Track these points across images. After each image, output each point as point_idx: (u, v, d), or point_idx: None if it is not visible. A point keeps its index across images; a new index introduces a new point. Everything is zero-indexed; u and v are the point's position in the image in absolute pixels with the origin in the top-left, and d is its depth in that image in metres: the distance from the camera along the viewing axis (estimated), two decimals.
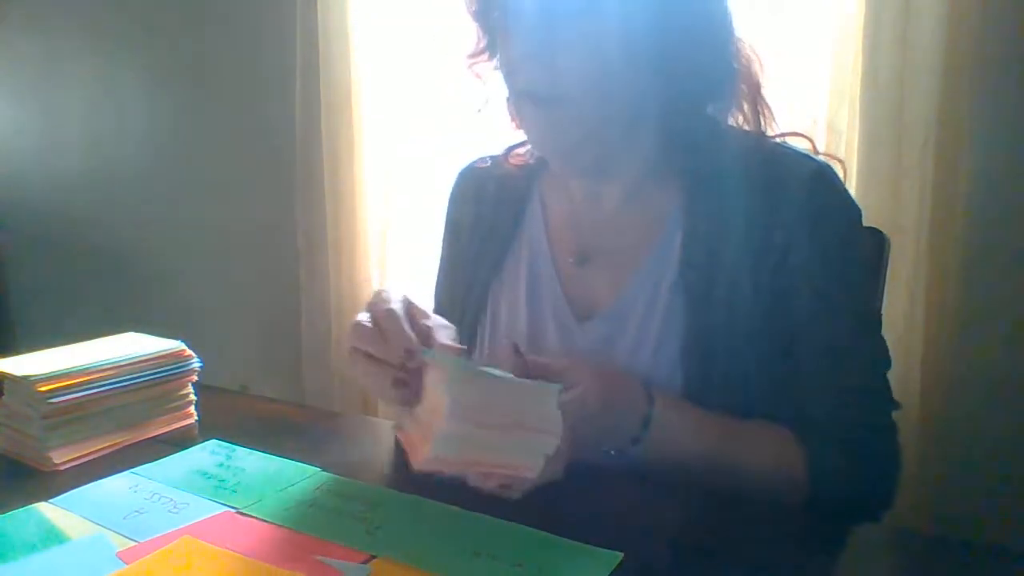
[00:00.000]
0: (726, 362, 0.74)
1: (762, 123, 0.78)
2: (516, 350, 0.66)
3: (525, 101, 0.74)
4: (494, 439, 0.59)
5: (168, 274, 2.48)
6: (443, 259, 0.99)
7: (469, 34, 0.83)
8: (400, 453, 0.76)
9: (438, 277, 0.99)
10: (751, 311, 0.74)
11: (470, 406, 0.58)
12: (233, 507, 0.65)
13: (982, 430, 1.27)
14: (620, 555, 0.56)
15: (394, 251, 1.85)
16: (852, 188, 1.29)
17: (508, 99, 0.79)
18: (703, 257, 0.76)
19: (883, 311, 0.85)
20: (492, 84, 0.84)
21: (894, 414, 0.76)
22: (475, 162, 0.97)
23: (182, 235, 2.43)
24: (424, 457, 0.59)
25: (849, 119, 1.31)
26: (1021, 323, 1.26)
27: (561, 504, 0.63)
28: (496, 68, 0.81)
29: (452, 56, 1.67)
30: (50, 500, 0.66)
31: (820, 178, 0.74)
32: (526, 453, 0.59)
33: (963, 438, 1.27)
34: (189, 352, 0.85)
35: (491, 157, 0.94)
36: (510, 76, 0.75)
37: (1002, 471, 1.26)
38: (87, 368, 0.77)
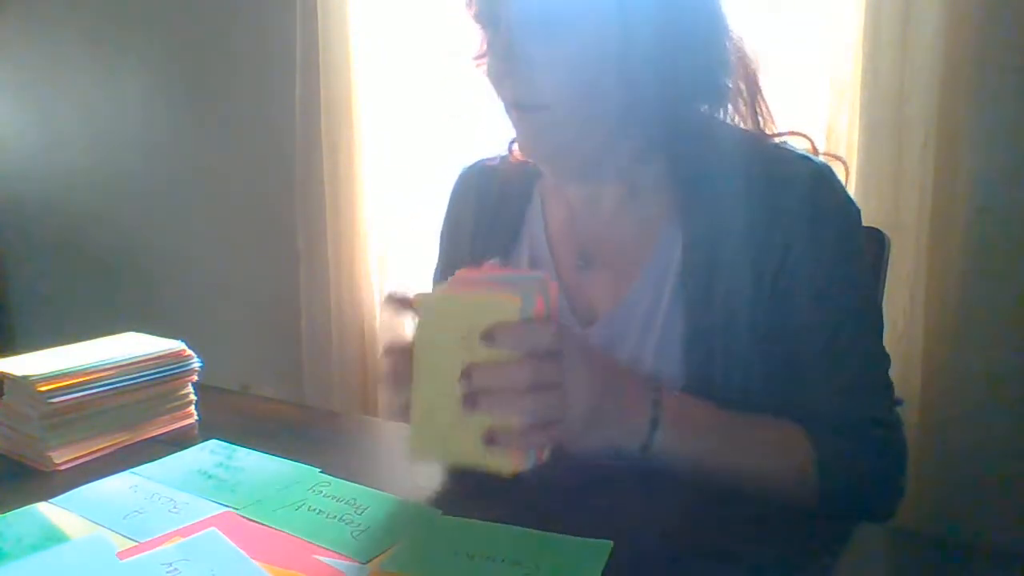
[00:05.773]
0: (728, 364, 0.74)
1: (761, 122, 0.78)
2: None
3: (511, 109, 0.76)
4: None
5: (168, 274, 2.48)
6: (441, 258, 0.98)
7: (473, 36, 0.83)
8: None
9: (435, 276, 0.98)
10: (752, 313, 0.74)
11: None
12: (233, 507, 0.65)
13: (982, 430, 1.27)
14: (610, 543, 0.57)
15: (394, 251, 1.85)
16: (852, 188, 1.29)
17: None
18: (704, 260, 0.76)
19: (883, 311, 0.85)
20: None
21: (899, 410, 0.76)
22: (478, 161, 0.96)
23: (182, 235, 2.43)
24: None
25: (849, 119, 1.30)
26: (1021, 323, 1.26)
27: (549, 501, 0.64)
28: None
29: (452, 55, 1.67)
30: (50, 500, 0.66)
31: (819, 179, 0.74)
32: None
33: (963, 438, 1.27)
34: (189, 352, 0.85)
35: (494, 157, 0.94)
36: (495, 86, 0.76)
37: (1002, 471, 1.26)
38: (87, 368, 0.77)
